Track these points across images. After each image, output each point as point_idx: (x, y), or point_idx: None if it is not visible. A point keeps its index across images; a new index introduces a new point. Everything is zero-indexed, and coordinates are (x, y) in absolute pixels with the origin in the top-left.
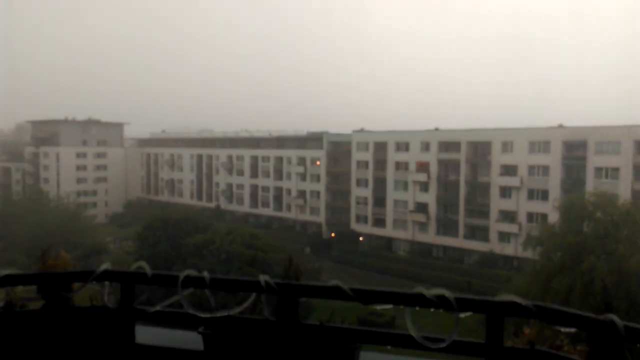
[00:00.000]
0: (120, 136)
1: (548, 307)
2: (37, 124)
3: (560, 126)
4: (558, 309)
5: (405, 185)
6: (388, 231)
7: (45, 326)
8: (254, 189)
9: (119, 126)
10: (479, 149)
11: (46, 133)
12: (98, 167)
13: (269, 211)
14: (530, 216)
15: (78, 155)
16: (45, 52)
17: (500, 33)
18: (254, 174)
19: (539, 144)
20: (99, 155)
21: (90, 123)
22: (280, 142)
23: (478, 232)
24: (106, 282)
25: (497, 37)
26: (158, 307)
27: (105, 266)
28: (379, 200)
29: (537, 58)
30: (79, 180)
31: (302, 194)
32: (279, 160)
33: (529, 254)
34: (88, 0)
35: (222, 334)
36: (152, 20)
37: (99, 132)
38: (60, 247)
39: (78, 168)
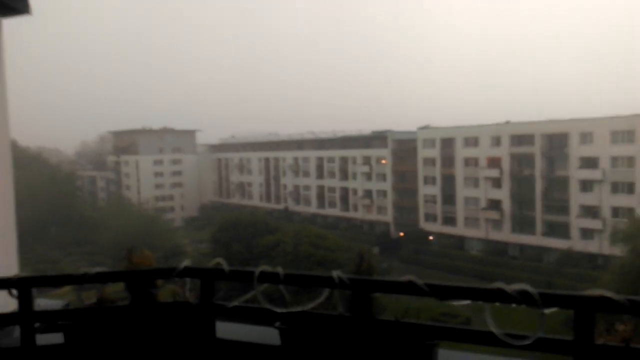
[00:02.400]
0: (193, 143)
1: None
2: (117, 134)
3: None
4: None
5: (475, 182)
6: (459, 230)
7: (132, 321)
8: (321, 189)
9: (191, 133)
10: (555, 141)
11: (126, 142)
12: (174, 173)
13: (335, 211)
14: (615, 211)
15: (155, 162)
16: (120, 66)
17: (580, 21)
18: (320, 174)
19: (622, 134)
20: (174, 162)
21: (165, 131)
22: (345, 142)
23: (557, 229)
24: (187, 279)
25: (579, 27)
26: (236, 303)
27: (186, 263)
28: (448, 198)
29: (613, 43)
30: (157, 186)
31: (368, 193)
32: (344, 160)
33: (615, 251)
34: (160, 15)
35: (299, 329)
36: (220, 35)
37: (174, 140)
38: (142, 247)
39: (156, 175)
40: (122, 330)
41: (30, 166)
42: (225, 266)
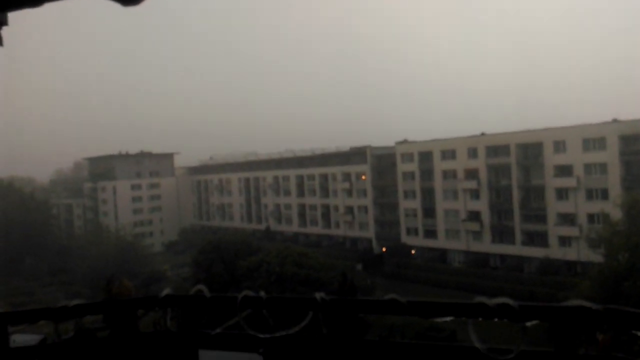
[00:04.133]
0: (171, 166)
1: (621, 310)
2: (93, 160)
3: (615, 120)
4: (632, 312)
5: (454, 194)
6: (441, 242)
7: (113, 353)
8: (302, 208)
9: (169, 156)
10: (530, 151)
11: (102, 168)
12: (152, 197)
13: (317, 229)
14: (591, 217)
15: (133, 187)
16: (95, 92)
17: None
18: (301, 193)
19: (594, 141)
20: (153, 186)
21: (142, 155)
22: (324, 159)
23: (536, 238)
24: (168, 308)
25: (537, 31)
26: (219, 330)
27: (166, 291)
28: (429, 211)
29: (576, 51)
30: (135, 211)
31: (349, 209)
32: (324, 177)
33: (593, 257)
34: (134, 39)
35: (283, 353)
36: (194, 57)
37: (151, 164)
38: (121, 277)
39: (134, 199)
40: None
41: (1, 196)
42: (207, 293)
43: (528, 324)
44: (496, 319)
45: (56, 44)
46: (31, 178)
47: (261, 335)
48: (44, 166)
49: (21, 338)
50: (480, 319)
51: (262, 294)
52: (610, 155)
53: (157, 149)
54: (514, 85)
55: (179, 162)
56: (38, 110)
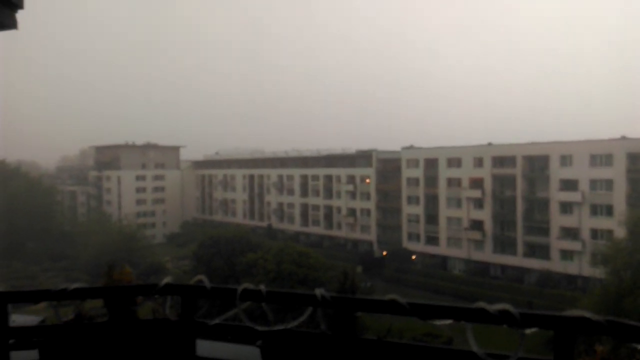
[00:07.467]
0: (177, 159)
1: (622, 323)
2: (100, 149)
3: (624, 138)
4: (633, 325)
5: (458, 202)
6: (442, 249)
7: (111, 338)
8: (304, 207)
9: (175, 149)
10: (536, 163)
11: (108, 157)
12: (156, 189)
13: (319, 229)
14: (595, 233)
15: (137, 177)
16: (105, 79)
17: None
18: (304, 192)
19: (601, 157)
20: (157, 178)
21: (148, 147)
22: (330, 160)
23: (538, 250)
24: (167, 296)
25: (551, 48)
26: (217, 320)
27: (167, 280)
28: (431, 218)
29: (595, 68)
30: (139, 202)
31: (352, 212)
32: (329, 178)
33: (594, 272)
34: (144, 31)
35: (280, 347)
36: (205, 53)
37: (157, 156)
38: (122, 264)
39: (138, 190)
40: (100, 347)
41: (8, 179)
42: (207, 283)
43: (527, 331)
44: (496, 325)
45: (70, 29)
46: (36, 163)
47: (259, 328)
48: (49, 152)
49: (21, 319)
50: (479, 326)
51: (262, 287)
52: (617, 172)
53: (163, 141)
54: (524, 98)
55: (185, 155)
56: (47, 96)
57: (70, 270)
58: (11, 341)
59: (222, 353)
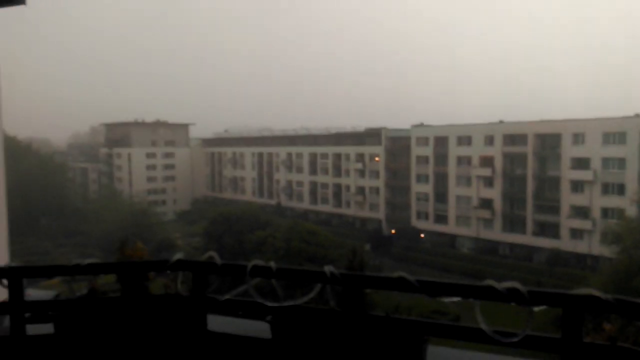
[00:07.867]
0: (186, 136)
1: (630, 301)
2: (110, 126)
3: (637, 115)
4: None
5: (468, 181)
6: (451, 228)
7: (123, 313)
8: (313, 185)
9: (184, 127)
10: (547, 142)
11: (118, 135)
12: (166, 167)
13: (328, 208)
14: (605, 212)
15: (148, 155)
16: (115, 57)
17: (570, 16)
18: (313, 170)
19: (614, 135)
20: (167, 155)
21: (158, 124)
22: (339, 138)
23: (548, 229)
24: (179, 272)
25: (567, 20)
26: (228, 296)
27: (178, 256)
28: (441, 196)
29: (607, 42)
30: (149, 179)
31: (361, 190)
32: (338, 157)
33: (604, 251)
34: (156, 9)
35: (290, 323)
36: (215, 31)
37: (167, 133)
38: (134, 239)
39: (148, 168)
40: (113, 321)
41: (20, 156)
42: (218, 260)
43: (536, 309)
44: (504, 302)
45: (80, 5)
46: (47, 140)
47: (269, 304)
48: (60, 129)
49: (36, 293)
50: (487, 304)
51: (272, 264)
52: (630, 151)
53: (173, 118)
54: (536, 74)
55: (194, 133)
56: (57, 73)
57: (83, 246)
58: (27, 315)
59: (233, 328)
